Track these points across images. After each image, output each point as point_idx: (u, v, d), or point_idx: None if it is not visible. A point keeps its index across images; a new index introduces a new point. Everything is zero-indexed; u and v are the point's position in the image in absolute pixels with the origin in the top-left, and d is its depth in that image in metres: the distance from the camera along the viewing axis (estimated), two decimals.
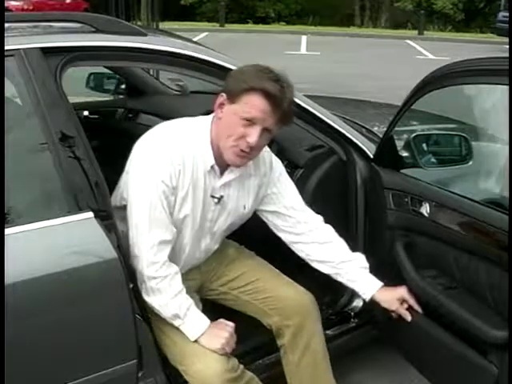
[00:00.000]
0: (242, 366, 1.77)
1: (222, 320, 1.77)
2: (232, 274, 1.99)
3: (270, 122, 1.65)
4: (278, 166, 1.93)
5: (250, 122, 1.63)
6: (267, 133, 1.68)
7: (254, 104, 1.62)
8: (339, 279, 1.96)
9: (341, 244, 1.97)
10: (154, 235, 1.66)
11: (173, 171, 1.66)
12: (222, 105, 1.69)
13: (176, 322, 1.71)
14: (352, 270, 1.94)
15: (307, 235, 1.94)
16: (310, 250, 1.95)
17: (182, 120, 1.80)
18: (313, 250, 1.95)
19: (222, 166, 1.76)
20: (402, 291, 1.94)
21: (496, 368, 1.71)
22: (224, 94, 1.68)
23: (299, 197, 1.96)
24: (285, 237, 1.96)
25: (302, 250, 1.97)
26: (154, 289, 1.68)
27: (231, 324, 1.76)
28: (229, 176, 1.78)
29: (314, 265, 1.97)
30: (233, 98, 1.65)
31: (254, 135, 1.63)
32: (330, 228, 1.97)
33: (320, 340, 1.95)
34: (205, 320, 1.73)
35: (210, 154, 1.72)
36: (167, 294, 1.68)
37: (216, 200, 1.78)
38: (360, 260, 1.96)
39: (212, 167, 1.74)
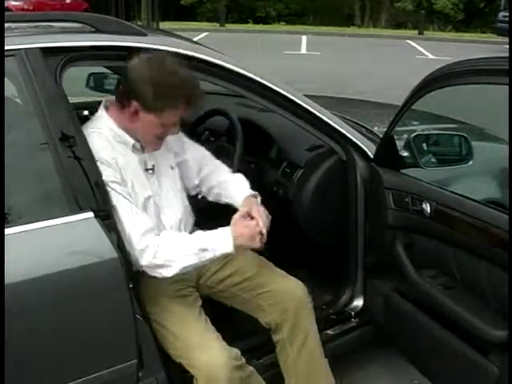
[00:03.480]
0: (243, 358, 1.78)
1: (236, 219, 1.79)
2: (227, 270, 1.98)
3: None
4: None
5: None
6: None
7: (177, 113, 1.73)
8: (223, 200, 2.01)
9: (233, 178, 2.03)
10: (136, 224, 1.70)
11: (111, 169, 1.71)
12: (137, 112, 1.72)
13: (208, 255, 1.72)
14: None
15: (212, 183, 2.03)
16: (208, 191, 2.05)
17: (84, 125, 1.81)
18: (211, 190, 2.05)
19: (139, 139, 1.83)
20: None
21: (497, 368, 1.71)
22: (137, 103, 1.70)
23: (207, 152, 2.06)
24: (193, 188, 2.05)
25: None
26: (163, 263, 1.70)
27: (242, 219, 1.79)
28: None
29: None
30: (153, 110, 1.71)
31: (176, 129, 1.79)
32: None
33: (315, 335, 1.97)
34: (224, 232, 1.75)
35: (126, 135, 1.78)
36: (177, 252, 1.71)
37: (151, 171, 1.84)
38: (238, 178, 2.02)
39: (133, 146, 1.79)
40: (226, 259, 1.99)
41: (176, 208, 1.91)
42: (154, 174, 1.85)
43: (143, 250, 1.69)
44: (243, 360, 1.77)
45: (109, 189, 1.68)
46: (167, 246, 1.72)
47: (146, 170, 1.83)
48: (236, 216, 1.80)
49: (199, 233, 1.78)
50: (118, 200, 1.69)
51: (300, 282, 1.98)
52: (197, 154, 2.03)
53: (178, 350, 1.77)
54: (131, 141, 1.79)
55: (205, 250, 1.72)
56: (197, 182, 2.04)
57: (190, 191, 2.04)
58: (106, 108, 1.81)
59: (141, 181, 1.80)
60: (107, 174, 1.69)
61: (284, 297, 1.92)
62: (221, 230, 1.76)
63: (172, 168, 1.92)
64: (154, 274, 1.74)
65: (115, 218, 1.68)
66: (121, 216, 1.69)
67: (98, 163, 1.68)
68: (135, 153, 1.81)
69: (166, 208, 1.87)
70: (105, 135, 1.76)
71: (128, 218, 1.69)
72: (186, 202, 1.97)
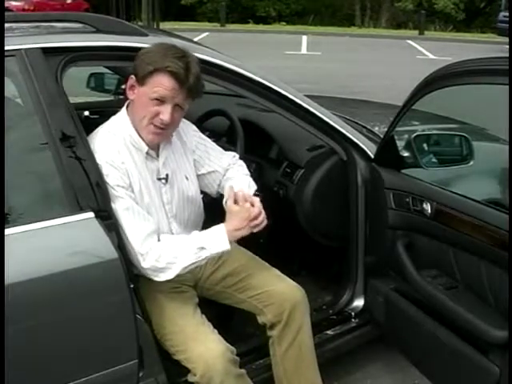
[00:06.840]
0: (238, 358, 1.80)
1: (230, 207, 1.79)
2: (223, 271, 1.99)
3: (180, 98, 1.73)
4: (190, 130, 1.98)
5: (161, 100, 1.71)
6: (179, 108, 1.75)
7: (161, 83, 1.69)
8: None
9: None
10: (139, 229, 1.70)
11: (119, 173, 1.71)
12: (133, 87, 1.75)
13: (205, 254, 1.74)
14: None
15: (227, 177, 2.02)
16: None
17: (104, 124, 1.83)
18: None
19: (154, 147, 1.82)
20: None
21: (497, 368, 1.71)
22: (133, 77, 1.74)
23: (219, 149, 2.03)
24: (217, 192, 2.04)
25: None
26: (165, 266, 1.72)
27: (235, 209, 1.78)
28: (164, 153, 1.85)
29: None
30: (141, 80, 1.72)
31: (166, 112, 1.72)
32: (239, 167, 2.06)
33: (307, 333, 1.97)
34: (219, 229, 1.76)
35: (141, 141, 1.78)
36: (177, 255, 1.72)
37: (164, 181, 1.84)
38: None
39: (147, 152, 1.79)
40: (221, 260, 1.99)
41: (186, 217, 1.92)
42: (166, 184, 1.84)
43: (147, 253, 1.70)
44: (238, 358, 1.79)
45: (113, 191, 1.68)
46: (169, 250, 1.73)
47: (159, 179, 1.83)
48: (229, 203, 1.80)
49: (196, 233, 1.81)
50: (121, 204, 1.69)
51: (297, 284, 1.98)
52: (224, 164, 2.02)
53: (176, 345, 1.78)
54: (145, 147, 1.78)
55: (202, 248, 1.74)
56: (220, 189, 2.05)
57: (214, 195, 2.06)
58: (127, 106, 1.82)
59: (151, 189, 1.80)
60: (114, 177, 1.69)
61: (280, 299, 1.92)
62: (215, 227, 1.78)
63: (187, 178, 1.91)
64: (154, 277, 1.74)
65: (117, 222, 1.68)
66: (123, 220, 1.69)
67: (107, 165, 1.69)
68: (149, 160, 1.80)
69: (175, 217, 1.88)
70: (120, 138, 1.77)
71: (131, 222, 1.69)
72: (200, 209, 1.99)
